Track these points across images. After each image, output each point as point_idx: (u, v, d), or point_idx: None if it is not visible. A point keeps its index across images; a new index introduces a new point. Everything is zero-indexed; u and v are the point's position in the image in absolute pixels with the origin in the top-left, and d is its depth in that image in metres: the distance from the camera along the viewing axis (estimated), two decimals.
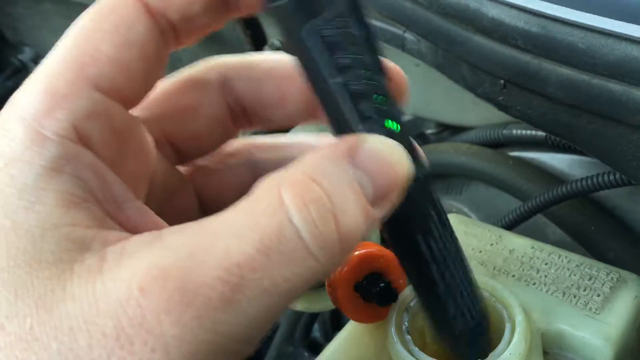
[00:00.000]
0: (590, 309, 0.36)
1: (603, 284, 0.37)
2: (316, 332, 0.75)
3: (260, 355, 0.99)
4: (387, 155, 0.23)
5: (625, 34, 0.32)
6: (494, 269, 0.40)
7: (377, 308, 0.36)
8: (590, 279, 0.37)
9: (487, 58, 0.39)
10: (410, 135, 0.26)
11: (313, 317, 0.61)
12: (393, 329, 0.35)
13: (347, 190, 0.22)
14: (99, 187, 0.23)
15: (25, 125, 0.21)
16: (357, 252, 0.36)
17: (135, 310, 0.19)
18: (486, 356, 0.31)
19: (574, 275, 0.38)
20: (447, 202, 0.59)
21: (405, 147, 0.24)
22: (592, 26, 0.33)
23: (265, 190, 0.21)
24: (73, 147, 0.22)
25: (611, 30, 0.32)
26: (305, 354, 0.52)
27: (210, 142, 0.32)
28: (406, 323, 0.35)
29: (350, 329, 0.38)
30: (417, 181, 0.25)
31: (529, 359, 0.33)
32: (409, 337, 0.35)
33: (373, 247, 0.37)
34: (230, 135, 0.32)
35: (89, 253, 0.21)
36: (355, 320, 0.37)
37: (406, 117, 0.62)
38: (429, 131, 0.63)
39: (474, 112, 0.57)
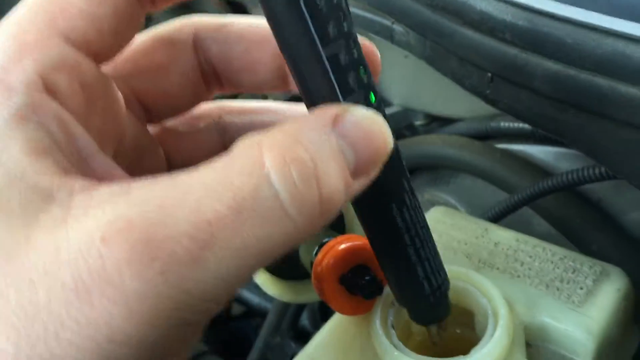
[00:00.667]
0: (573, 302, 0.36)
1: (586, 277, 0.37)
2: (305, 320, 0.76)
3: (248, 345, 1.00)
4: (371, 127, 0.23)
5: (613, 30, 0.32)
6: (479, 261, 0.40)
7: (362, 301, 0.36)
8: (573, 272, 0.38)
9: (474, 51, 0.39)
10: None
11: (300, 308, 0.61)
12: (378, 323, 0.35)
13: (330, 156, 0.21)
14: (65, 138, 0.22)
15: None
16: (342, 245, 0.37)
17: (95, 260, 0.18)
18: (443, 319, 0.33)
19: (558, 268, 0.38)
20: (434, 193, 0.59)
21: None
22: (580, 21, 0.33)
23: (244, 148, 0.21)
24: (39, 96, 0.22)
25: (599, 26, 0.32)
26: (292, 344, 0.52)
27: (181, 102, 0.31)
28: (391, 317, 0.36)
29: (336, 322, 0.38)
30: (391, 152, 0.26)
31: (512, 352, 0.34)
32: (394, 331, 0.35)
33: (359, 240, 0.37)
34: (202, 97, 0.32)
35: (54, 203, 0.20)
36: (341, 312, 0.37)
37: (395, 108, 0.62)
38: (418, 122, 0.63)
39: (463, 104, 0.57)
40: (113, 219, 0.19)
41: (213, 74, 0.31)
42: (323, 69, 0.23)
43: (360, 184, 0.23)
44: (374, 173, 0.23)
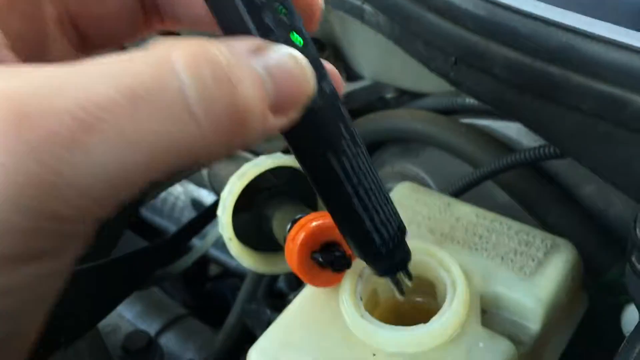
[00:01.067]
0: (525, 272, 0.39)
1: (538, 250, 0.40)
2: (282, 282, 0.79)
3: (226, 306, 1.02)
4: (292, 67, 0.22)
5: (564, 24, 0.34)
6: (441, 235, 0.43)
7: (332, 274, 0.39)
8: (526, 245, 0.41)
9: (439, 36, 0.41)
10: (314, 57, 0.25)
11: (275, 276, 0.64)
12: (346, 294, 0.38)
13: (248, 74, 0.20)
14: None
15: None
16: (314, 223, 0.39)
17: None
18: (405, 266, 0.34)
19: (512, 241, 0.41)
20: (404, 165, 0.61)
21: (311, 62, 0.23)
22: (535, 14, 0.35)
23: (154, 45, 0.19)
24: None
25: (551, 19, 0.34)
26: (268, 311, 0.55)
27: (117, 32, 0.29)
28: (359, 288, 0.38)
29: (307, 294, 0.41)
30: (324, 97, 0.25)
31: (469, 319, 0.37)
32: (361, 301, 0.38)
33: (330, 218, 0.39)
34: (141, 30, 0.30)
35: None
36: (312, 284, 0.40)
37: (366, 82, 0.64)
38: (389, 95, 0.65)
39: (431, 80, 0.59)
40: None
41: (152, 5, 0.29)
42: (236, 8, 0.22)
43: (278, 123, 0.22)
44: (293, 114, 0.22)
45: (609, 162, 0.37)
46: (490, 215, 0.43)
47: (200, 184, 0.98)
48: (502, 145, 0.54)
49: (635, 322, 0.46)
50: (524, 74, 0.37)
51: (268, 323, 0.57)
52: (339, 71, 0.78)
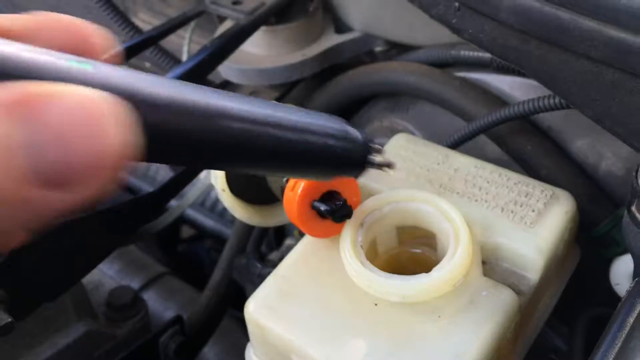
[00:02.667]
0: (526, 223, 0.39)
1: (538, 201, 0.40)
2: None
3: (200, 266, 1.01)
4: (85, 115, 0.16)
5: None
6: (440, 186, 0.42)
7: (332, 224, 0.38)
8: (526, 196, 0.41)
9: None
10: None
11: (264, 231, 0.63)
12: (347, 244, 0.37)
13: None
14: None
15: None
16: None
17: None
18: (374, 146, 0.32)
19: (512, 192, 0.41)
20: (393, 120, 0.60)
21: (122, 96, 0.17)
22: None
23: None
24: None
25: None
26: (259, 265, 0.54)
27: None
28: (360, 238, 0.38)
29: (306, 244, 0.40)
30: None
31: (471, 269, 0.36)
32: (362, 250, 0.37)
33: None
34: None
35: None
36: (312, 235, 0.39)
37: (355, 34, 0.62)
38: (378, 49, 0.63)
39: (423, 32, 0.58)
40: None
41: None
42: None
43: (63, 199, 0.16)
44: (98, 184, 0.16)
45: (614, 111, 0.36)
46: (490, 166, 0.43)
47: None
48: (496, 99, 0.53)
49: (625, 274, 0.47)
50: (532, 19, 0.36)
51: (259, 277, 0.56)
52: (327, 23, 0.76)
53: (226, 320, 0.69)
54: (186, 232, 1.13)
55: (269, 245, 0.77)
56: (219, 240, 0.95)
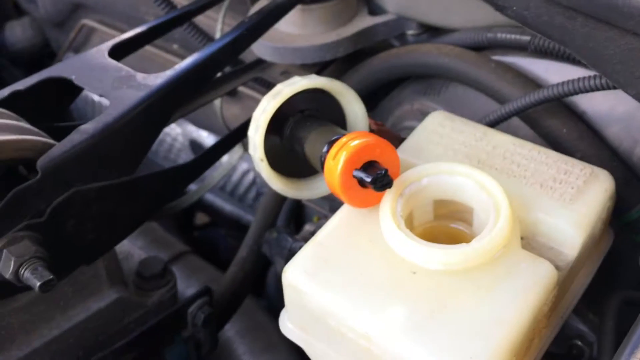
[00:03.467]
0: (565, 199, 0.39)
1: (577, 178, 0.40)
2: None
3: (216, 250, 1.02)
4: None
5: None
6: (478, 162, 0.42)
7: (372, 194, 0.38)
8: (565, 173, 0.41)
9: None
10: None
11: (294, 206, 0.63)
12: (387, 212, 0.37)
13: None
14: None
15: None
16: (355, 142, 0.38)
17: None
18: None
19: (551, 169, 0.41)
20: (425, 102, 0.60)
21: None
22: None
23: None
24: None
25: None
26: (290, 239, 0.55)
27: None
28: (399, 208, 0.38)
29: (344, 213, 0.40)
30: None
31: (510, 242, 0.37)
32: (402, 220, 0.37)
33: (371, 137, 0.38)
34: None
35: None
36: (352, 204, 0.39)
37: (389, 16, 0.62)
38: (410, 32, 0.63)
39: (459, 14, 0.58)
40: None
41: None
42: None
43: None
44: None
45: None
46: (528, 144, 0.43)
47: (199, 124, 0.96)
48: (532, 82, 0.53)
49: None
50: None
51: (290, 251, 0.57)
52: (361, 4, 0.76)
53: (246, 299, 0.69)
54: (199, 219, 1.14)
55: (289, 230, 0.78)
56: (237, 226, 0.96)
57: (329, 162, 0.38)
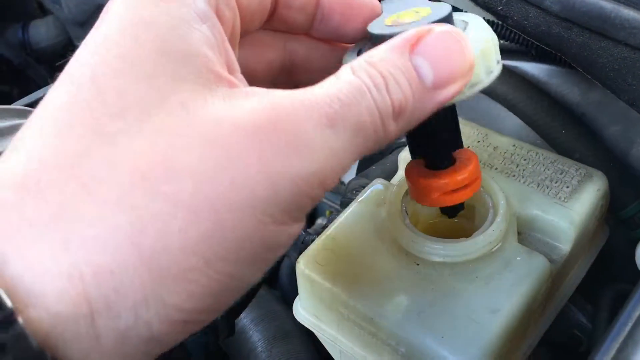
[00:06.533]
0: (560, 197, 0.42)
1: (572, 178, 0.43)
2: None
3: None
4: (450, 44, 0.27)
5: None
6: (480, 162, 0.45)
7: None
8: (561, 173, 0.43)
9: None
10: None
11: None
12: (393, 207, 0.40)
13: (400, 72, 0.26)
14: (223, 48, 0.27)
15: None
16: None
17: (244, 139, 0.23)
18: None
19: (548, 169, 0.44)
20: None
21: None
22: None
23: (344, 71, 0.27)
24: (212, 12, 0.27)
25: None
26: (302, 232, 0.58)
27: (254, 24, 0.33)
28: (404, 205, 0.41)
29: (354, 209, 0.43)
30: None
31: (507, 236, 0.40)
32: (407, 215, 0.40)
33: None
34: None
35: (220, 84, 0.25)
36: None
37: None
38: None
39: None
40: (264, 109, 0.24)
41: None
42: None
43: (446, 94, 0.27)
44: (456, 87, 0.27)
45: None
46: (527, 146, 0.46)
47: None
48: (533, 86, 0.55)
49: None
50: (575, 8, 0.39)
51: (303, 243, 0.60)
52: None
53: (261, 290, 0.73)
54: None
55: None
56: None
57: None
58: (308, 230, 0.67)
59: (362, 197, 0.44)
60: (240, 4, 0.29)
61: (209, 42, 0.26)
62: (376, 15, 0.34)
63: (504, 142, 0.46)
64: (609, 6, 0.37)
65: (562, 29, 0.41)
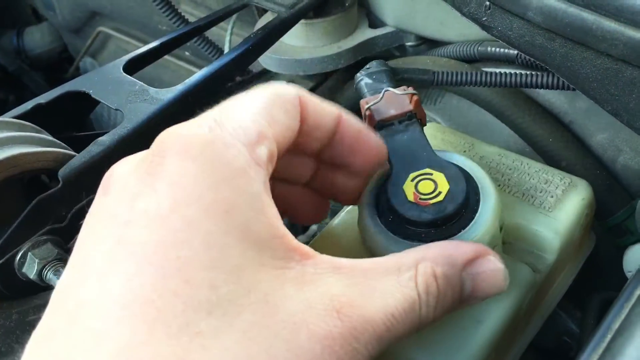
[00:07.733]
0: (545, 207, 0.42)
1: (557, 187, 0.43)
2: None
3: None
4: (496, 278, 0.31)
5: None
6: None
7: None
8: (546, 183, 0.44)
9: None
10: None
11: None
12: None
13: (450, 289, 0.29)
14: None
15: (246, 147, 0.26)
16: None
17: (335, 321, 0.25)
18: None
19: (533, 179, 0.44)
20: None
21: None
22: None
23: (407, 263, 0.29)
24: (267, 173, 0.28)
25: None
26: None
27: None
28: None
29: (341, 218, 0.44)
30: None
31: (492, 247, 0.40)
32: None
33: None
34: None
35: (293, 262, 0.26)
36: None
37: (388, 29, 0.65)
38: (409, 43, 0.66)
39: (454, 28, 0.61)
40: (339, 293, 0.26)
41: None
42: None
43: (470, 304, 0.31)
44: (478, 301, 0.31)
45: (632, 106, 0.39)
46: (513, 155, 0.46)
47: None
48: (521, 93, 0.56)
49: (638, 262, 0.50)
50: (558, 19, 0.39)
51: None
52: (362, 17, 0.79)
53: None
54: None
55: (294, 230, 0.81)
56: None
57: None
58: (301, 236, 0.68)
59: (349, 207, 0.44)
60: (280, 150, 0.30)
61: (276, 215, 0.26)
62: (381, 157, 0.36)
63: (489, 151, 0.47)
64: (591, 18, 0.38)
65: (545, 39, 0.41)
